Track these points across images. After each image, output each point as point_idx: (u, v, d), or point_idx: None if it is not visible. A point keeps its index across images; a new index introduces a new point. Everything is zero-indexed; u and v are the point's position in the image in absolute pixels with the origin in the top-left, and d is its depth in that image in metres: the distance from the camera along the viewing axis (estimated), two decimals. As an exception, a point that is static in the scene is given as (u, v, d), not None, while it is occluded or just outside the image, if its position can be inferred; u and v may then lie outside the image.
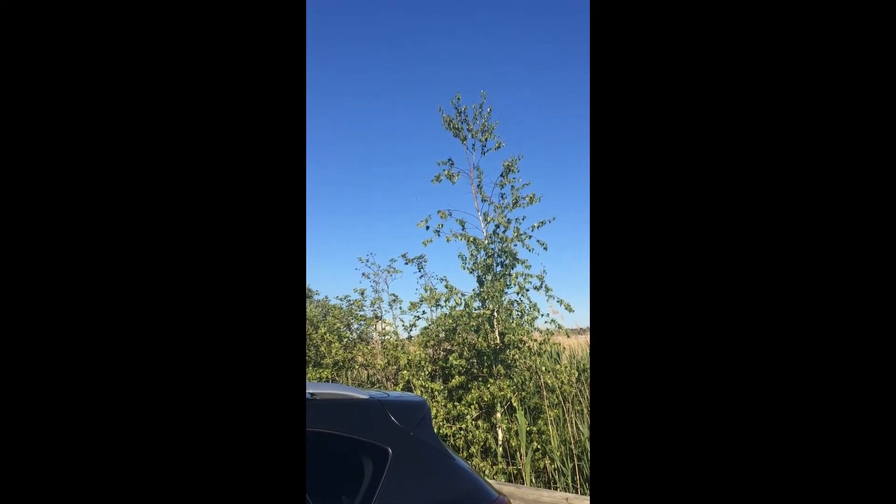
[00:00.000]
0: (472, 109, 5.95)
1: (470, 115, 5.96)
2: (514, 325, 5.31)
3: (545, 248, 5.72)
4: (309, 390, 1.60)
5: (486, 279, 5.69)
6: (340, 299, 7.94)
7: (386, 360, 6.06)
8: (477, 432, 4.98)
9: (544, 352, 5.56)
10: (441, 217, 5.90)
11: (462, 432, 4.99)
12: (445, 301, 5.84)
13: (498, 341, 5.45)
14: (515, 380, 5.38)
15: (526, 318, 5.49)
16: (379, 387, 6.21)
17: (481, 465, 4.83)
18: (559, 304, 5.55)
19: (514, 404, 5.13)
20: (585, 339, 8.42)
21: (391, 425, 1.57)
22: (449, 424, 5.09)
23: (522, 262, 5.63)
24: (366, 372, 6.58)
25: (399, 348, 6.21)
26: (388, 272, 7.07)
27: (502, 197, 5.86)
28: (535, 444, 4.94)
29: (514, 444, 5.05)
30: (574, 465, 4.70)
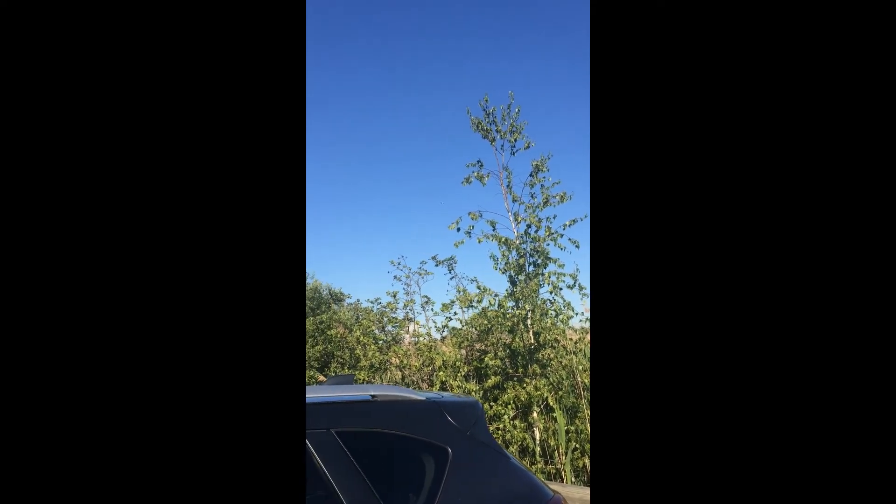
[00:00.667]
0: (501, 110, 5.97)
1: (498, 116, 5.97)
2: (549, 324, 5.29)
3: (577, 247, 5.70)
4: (369, 392, 1.65)
5: (518, 279, 5.69)
6: (371, 302, 8.05)
7: (421, 362, 6.12)
8: (515, 432, 4.99)
9: (580, 350, 5.54)
10: (472, 218, 5.93)
11: (500, 432, 5.00)
12: (478, 301, 5.87)
13: (532, 341, 5.45)
14: (551, 379, 5.37)
15: (561, 317, 5.47)
16: (416, 388, 6.27)
17: (520, 464, 4.82)
18: (594, 303, 5.50)
19: (551, 403, 5.12)
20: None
21: (449, 425, 1.61)
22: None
23: (555, 261, 5.61)
24: (400, 373, 6.66)
25: (433, 349, 6.26)
26: (420, 274, 7.14)
27: (532, 196, 5.86)
28: (574, 443, 4.92)
29: (552, 443, 5.04)
30: (614, 465, 4.65)
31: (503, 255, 5.82)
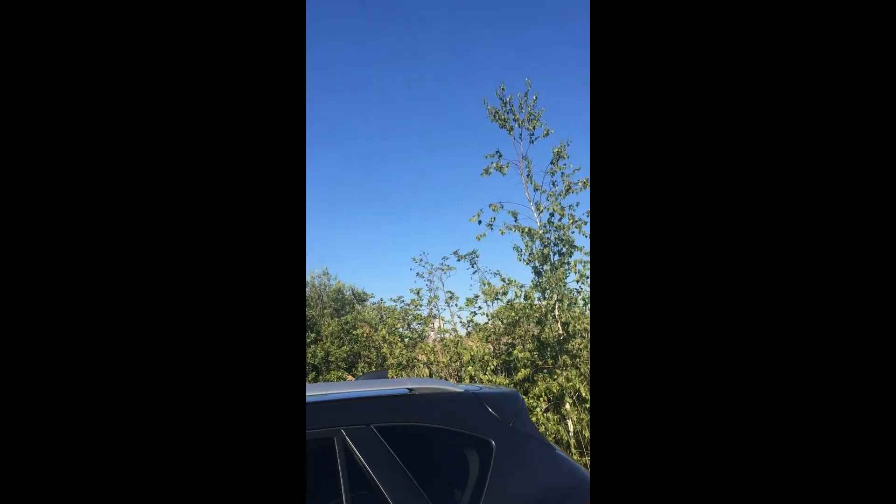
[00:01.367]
0: (518, 98, 5.86)
1: (515, 105, 5.87)
2: (577, 313, 5.19)
3: (602, 233, 5.56)
4: (406, 385, 1.59)
5: (543, 269, 5.59)
6: (395, 301, 8.05)
7: (448, 358, 6.07)
8: (548, 424, 4.91)
9: (610, 339, 5.41)
10: (493, 210, 5.84)
11: (533, 425, 4.92)
12: (503, 294, 5.79)
13: (561, 331, 5.35)
14: (582, 370, 5.26)
15: (589, 306, 5.36)
16: (443, 384, 6.22)
17: (555, 457, 4.74)
18: (622, 290, 5.38)
19: (584, 395, 5.02)
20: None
21: (490, 417, 1.55)
22: (518, 418, 5.03)
23: (580, 249, 5.50)
24: (428, 370, 6.63)
25: (459, 345, 6.20)
26: (443, 270, 7.10)
27: (553, 185, 5.75)
28: (610, 433, 4.81)
29: (586, 434, 4.94)
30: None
31: (526, 245, 5.73)
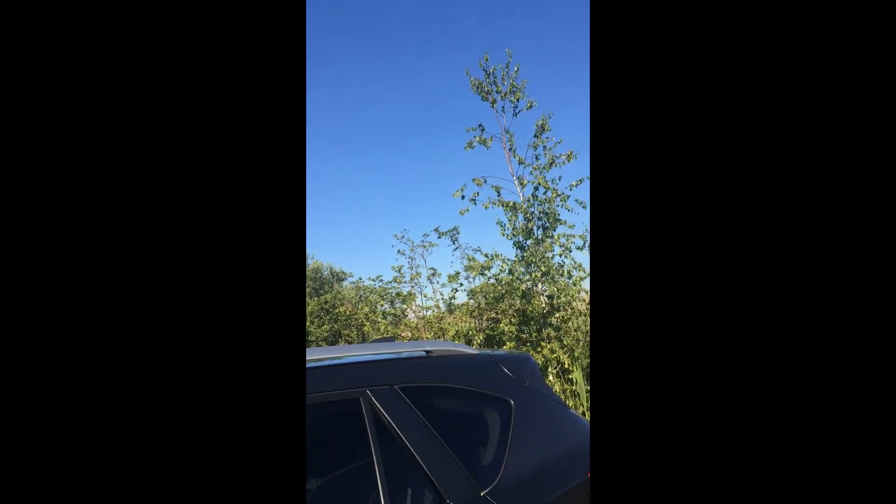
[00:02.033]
0: (500, 70, 5.80)
1: (498, 76, 5.81)
2: (563, 285, 5.25)
3: (584, 207, 5.62)
4: (423, 348, 1.57)
5: (527, 244, 5.62)
6: (373, 280, 7.97)
7: (432, 333, 6.08)
8: (534, 395, 4.99)
9: (593, 311, 5.51)
10: (477, 185, 5.82)
11: (519, 396, 5.00)
12: (487, 269, 5.80)
13: (545, 304, 5.41)
14: (565, 341, 5.35)
15: (573, 279, 5.43)
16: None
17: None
18: (605, 262, 5.46)
19: (567, 366, 5.11)
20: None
21: (507, 378, 1.55)
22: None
23: (564, 223, 5.54)
24: (411, 347, 6.62)
25: (442, 320, 6.22)
26: (424, 247, 7.06)
27: (536, 158, 5.74)
28: (594, 402, 4.93)
29: (570, 403, 5.05)
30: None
31: (510, 220, 5.74)
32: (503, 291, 5.46)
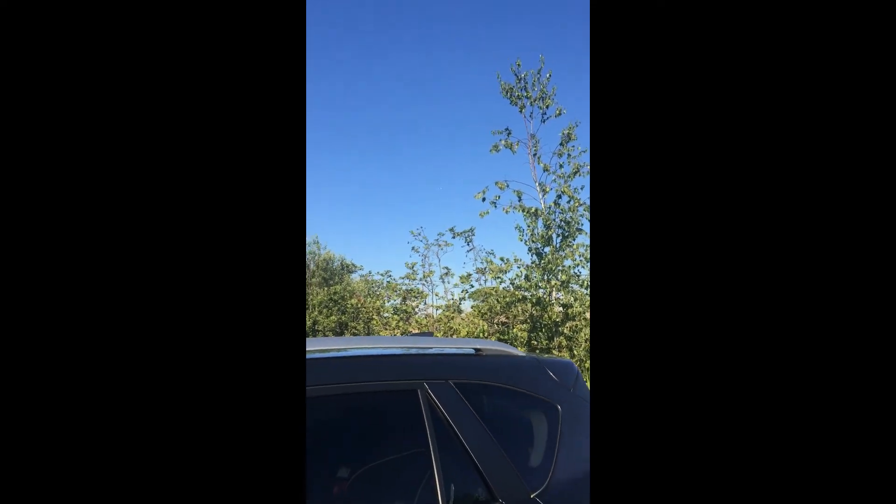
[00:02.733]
0: (531, 76, 5.79)
1: (529, 82, 5.80)
2: (579, 295, 5.24)
3: (606, 219, 5.58)
4: (472, 346, 1.57)
5: (544, 251, 5.61)
6: (382, 275, 7.96)
7: (442, 332, 6.07)
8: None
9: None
10: (499, 188, 5.81)
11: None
12: (503, 272, 5.80)
13: (559, 311, 5.40)
14: (575, 352, 5.33)
15: (589, 290, 5.41)
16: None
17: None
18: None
19: (578, 375, 5.09)
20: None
21: (553, 382, 1.54)
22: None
23: (584, 233, 5.52)
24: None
25: (452, 320, 6.21)
26: (439, 246, 7.06)
27: (560, 166, 5.73)
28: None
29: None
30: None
31: (529, 225, 5.73)
32: (519, 297, 5.45)
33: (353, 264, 10.14)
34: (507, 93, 5.88)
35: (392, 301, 7.14)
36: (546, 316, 5.31)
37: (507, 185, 5.84)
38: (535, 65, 6.49)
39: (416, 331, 6.50)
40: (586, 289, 5.40)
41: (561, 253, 5.37)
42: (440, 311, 6.54)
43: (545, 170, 5.70)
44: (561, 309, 5.43)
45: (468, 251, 6.73)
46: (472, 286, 6.41)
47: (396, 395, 1.25)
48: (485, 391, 1.42)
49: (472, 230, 6.67)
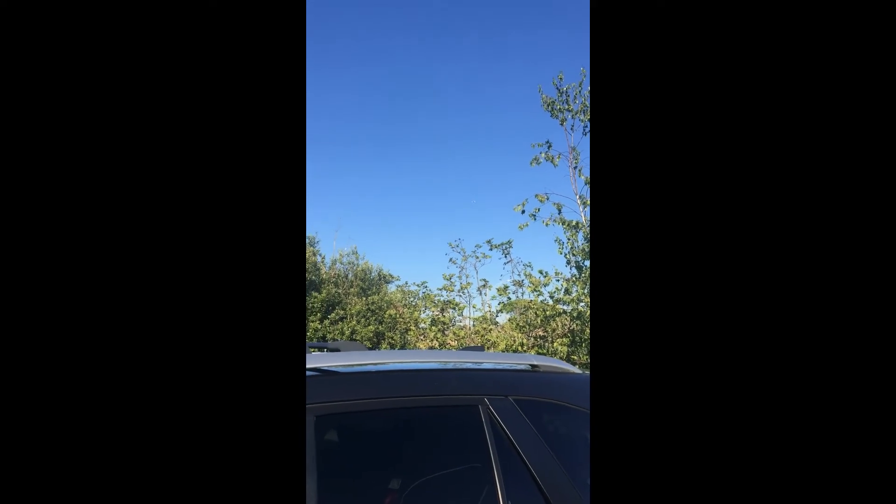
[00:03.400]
0: (573, 89, 5.78)
1: (571, 95, 5.79)
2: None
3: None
4: (528, 362, 1.58)
5: (584, 264, 5.54)
6: (418, 286, 8.00)
7: (480, 344, 6.06)
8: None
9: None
10: (539, 201, 5.79)
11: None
12: (544, 286, 5.76)
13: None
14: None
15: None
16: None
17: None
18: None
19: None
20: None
21: (610, 400, 1.53)
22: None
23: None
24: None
25: (490, 332, 6.20)
26: (477, 258, 7.08)
27: (602, 180, 5.66)
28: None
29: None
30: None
31: (569, 239, 5.68)
32: (559, 311, 5.40)
33: (391, 275, 10.26)
34: (548, 106, 5.88)
35: (428, 311, 7.18)
36: (587, 331, 5.23)
37: (548, 198, 5.82)
38: (576, 76, 6.48)
39: (454, 342, 6.50)
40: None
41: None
42: (475, 322, 6.53)
43: (586, 183, 5.65)
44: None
45: (505, 263, 6.73)
46: (509, 298, 6.39)
47: (458, 410, 1.27)
48: (543, 407, 1.42)
49: (509, 242, 6.67)
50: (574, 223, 5.62)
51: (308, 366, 1.28)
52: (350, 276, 9.61)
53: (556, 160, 5.76)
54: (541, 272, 6.00)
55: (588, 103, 5.80)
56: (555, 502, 1.22)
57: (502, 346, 5.62)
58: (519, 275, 6.41)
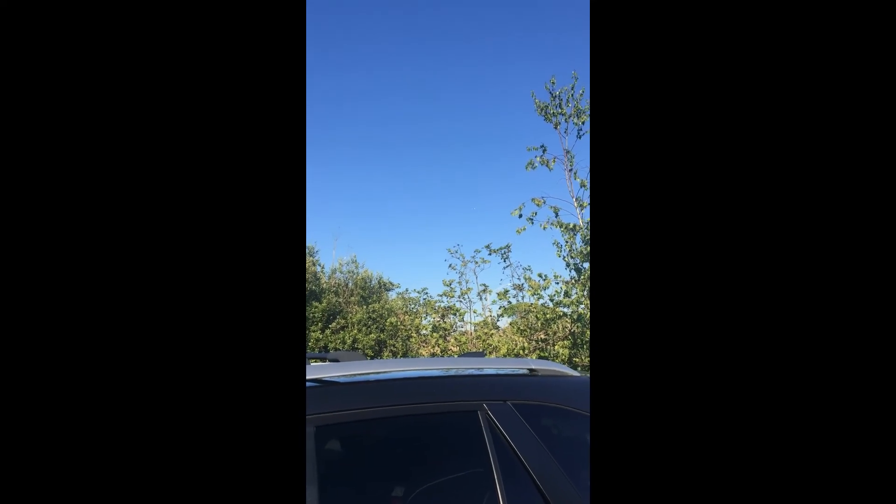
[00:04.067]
0: (566, 93, 5.82)
1: (563, 99, 5.83)
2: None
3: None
4: (527, 366, 1.59)
5: (583, 267, 5.56)
6: (418, 292, 8.01)
7: (481, 348, 6.07)
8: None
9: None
10: (536, 204, 5.82)
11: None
12: (543, 289, 5.77)
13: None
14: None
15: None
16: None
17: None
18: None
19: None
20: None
21: (608, 402, 1.54)
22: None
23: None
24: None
25: (491, 337, 6.20)
26: (476, 263, 7.09)
27: (598, 181, 5.69)
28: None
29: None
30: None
31: (567, 241, 5.70)
32: (559, 314, 5.41)
33: (391, 282, 10.26)
34: (541, 111, 5.92)
35: (429, 318, 7.19)
36: (588, 333, 5.24)
37: (544, 202, 5.85)
38: (567, 80, 6.52)
39: (455, 348, 6.50)
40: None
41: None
42: (476, 327, 6.54)
43: (582, 185, 5.68)
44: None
45: (505, 268, 6.74)
46: (510, 302, 6.40)
47: (457, 417, 1.28)
48: (542, 412, 1.43)
49: (508, 247, 6.70)
50: (571, 226, 5.64)
51: (308, 377, 1.30)
52: (350, 284, 9.62)
53: (552, 164, 5.79)
54: (540, 275, 6.02)
55: (580, 106, 5.84)
56: None
57: (504, 350, 5.63)
58: (518, 279, 6.44)
